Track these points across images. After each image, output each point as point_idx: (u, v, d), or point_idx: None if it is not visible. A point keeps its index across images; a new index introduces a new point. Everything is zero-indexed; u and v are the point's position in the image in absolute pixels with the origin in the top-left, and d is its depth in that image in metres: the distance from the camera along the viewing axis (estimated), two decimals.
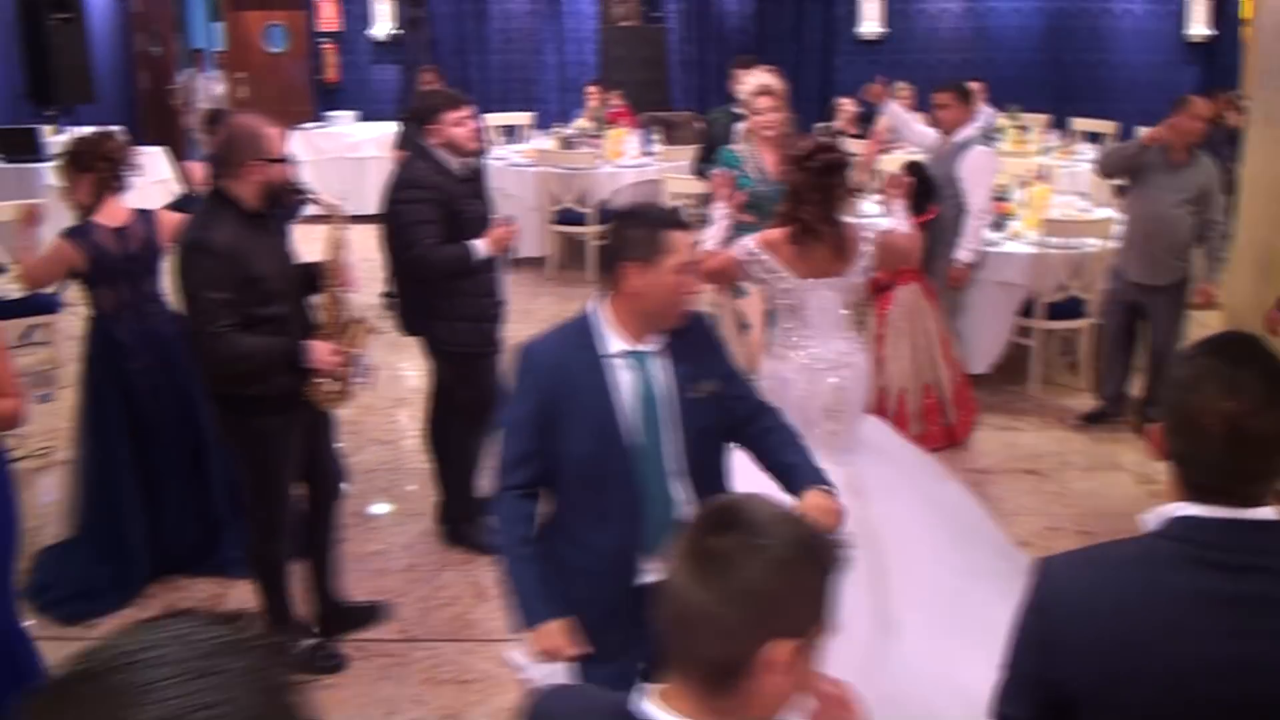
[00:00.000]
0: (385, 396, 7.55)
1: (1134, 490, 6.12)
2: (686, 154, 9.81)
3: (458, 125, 5.05)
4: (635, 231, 3.01)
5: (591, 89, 12.03)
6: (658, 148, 10.86)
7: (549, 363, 3.04)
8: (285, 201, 4.36)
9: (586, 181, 10.20)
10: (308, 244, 5.00)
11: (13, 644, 3.76)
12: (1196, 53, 13.66)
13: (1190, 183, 6.34)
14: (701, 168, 8.48)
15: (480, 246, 5.04)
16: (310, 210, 4.92)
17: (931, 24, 13.69)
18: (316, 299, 4.38)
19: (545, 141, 11.44)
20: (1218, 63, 13.40)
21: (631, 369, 3.04)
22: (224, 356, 4.05)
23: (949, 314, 6.89)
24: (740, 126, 7.26)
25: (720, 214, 5.03)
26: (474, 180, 5.30)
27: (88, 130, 11.19)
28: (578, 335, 3.06)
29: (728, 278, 4.74)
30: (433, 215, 4.95)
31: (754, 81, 6.22)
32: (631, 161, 10.62)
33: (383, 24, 13.21)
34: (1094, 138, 12.05)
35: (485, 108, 13.47)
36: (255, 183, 4.07)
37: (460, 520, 5.51)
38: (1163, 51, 13.70)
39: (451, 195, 5.02)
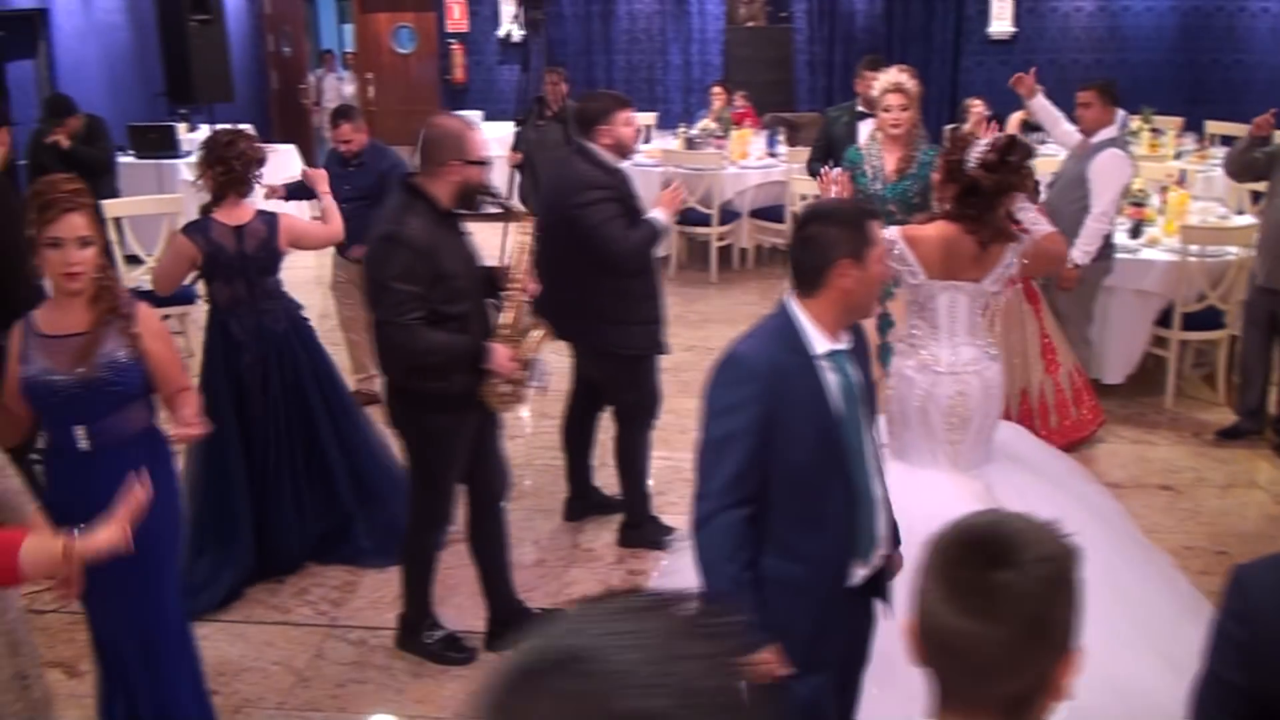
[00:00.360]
0: None
1: (1272, 510, 5.94)
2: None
3: (626, 125, 5.10)
4: (842, 228, 2.95)
5: (716, 89, 12.00)
6: (783, 149, 10.80)
7: (766, 369, 2.92)
8: (475, 204, 4.39)
9: (711, 182, 10.17)
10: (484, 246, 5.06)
11: (184, 633, 3.87)
12: None
13: None
14: (814, 166, 8.37)
15: (658, 215, 5.12)
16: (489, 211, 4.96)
17: (1063, 23, 13.42)
18: (493, 301, 4.43)
19: (669, 142, 11.44)
20: None
21: (834, 369, 2.98)
22: (410, 348, 4.12)
23: (1077, 320, 6.74)
24: (864, 126, 7.21)
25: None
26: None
27: (222, 127, 11.65)
28: (785, 338, 2.96)
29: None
30: (618, 212, 4.99)
31: (886, 78, 6.16)
32: (756, 162, 10.58)
33: (509, 25, 13.33)
34: (1228, 141, 11.71)
35: None
36: (453, 182, 4.14)
37: (633, 524, 5.54)
38: None
39: (623, 193, 5.07)
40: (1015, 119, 10.53)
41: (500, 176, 10.61)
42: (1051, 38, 13.44)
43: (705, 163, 10.30)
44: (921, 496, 4.38)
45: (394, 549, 5.09)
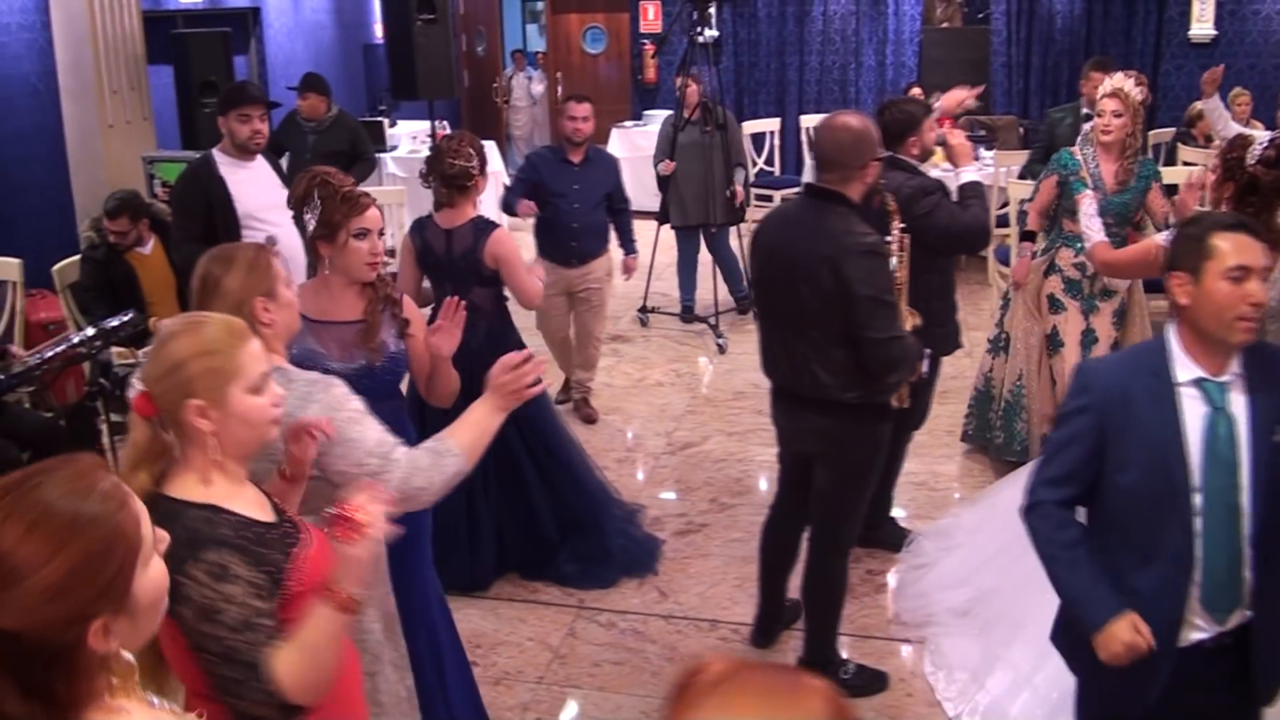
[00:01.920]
0: (723, 389, 7.73)
1: None
2: (1017, 158, 9.65)
3: (930, 130, 5.03)
4: (1184, 241, 2.84)
5: (915, 91, 11.93)
6: (987, 151, 10.70)
7: (1109, 384, 2.85)
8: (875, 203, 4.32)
9: None
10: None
11: (441, 604, 4.00)
12: None
13: None
14: (1036, 169, 8.26)
15: (969, 173, 5.09)
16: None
17: (1265, 26, 12.99)
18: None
19: None
20: None
21: (1204, 400, 2.78)
22: (909, 360, 4.01)
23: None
24: (1086, 127, 7.11)
25: (1089, 202, 4.97)
26: None
27: (418, 125, 11.96)
28: (1149, 359, 2.86)
29: (1144, 268, 4.56)
30: (949, 202, 4.94)
31: (1111, 82, 6.07)
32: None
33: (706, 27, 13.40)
34: None
35: (801, 109, 13.61)
36: (867, 183, 4.02)
37: (871, 524, 5.39)
38: None
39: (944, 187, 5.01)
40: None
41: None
42: (1252, 41, 13.03)
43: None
44: None
45: (599, 574, 5.25)
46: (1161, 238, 4.37)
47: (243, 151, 5.58)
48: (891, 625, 4.96)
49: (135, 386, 2.30)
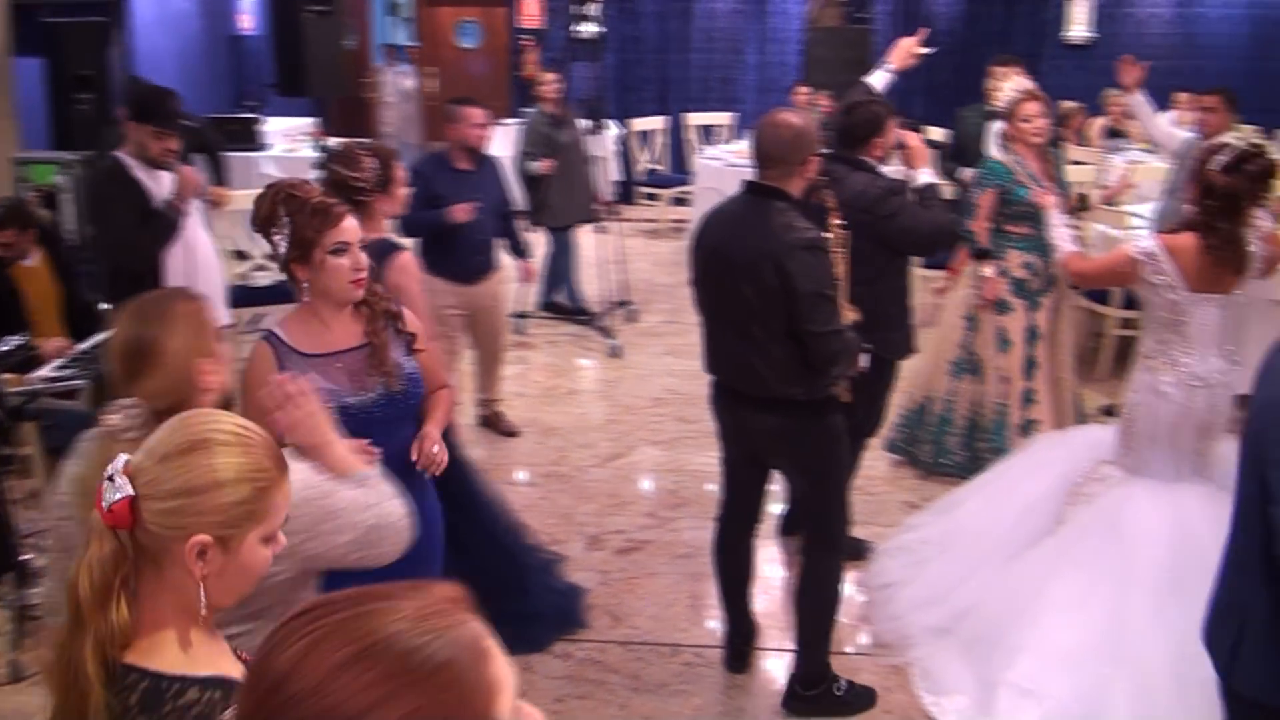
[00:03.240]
0: (641, 396, 7.52)
1: None
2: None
3: (892, 131, 4.93)
4: None
5: (801, 89, 11.89)
6: None
7: None
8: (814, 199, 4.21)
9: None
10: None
11: None
12: None
13: None
14: (949, 166, 8.24)
15: (926, 176, 5.00)
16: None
17: (1140, 29, 13.32)
18: None
19: None
20: None
21: None
22: (852, 353, 3.99)
23: None
24: (995, 129, 7.10)
25: (1057, 215, 4.91)
26: None
27: (289, 121, 11.47)
28: None
29: (1117, 279, 4.54)
30: (911, 203, 4.86)
31: (1014, 86, 6.06)
32: None
33: (587, 24, 13.17)
34: None
35: (684, 107, 13.48)
36: (807, 179, 3.97)
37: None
38: None
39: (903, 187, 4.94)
40: (1099, 126, 10.44)
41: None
42: (1127, 43, 13.27)
43: None
44: (1185, 514, 4.33)
45: (532, 637, 4.74)
46: (1135, 247, 4.33)
47: (152, 165, 5.15)
48: (869, 645, 4.82)
49: (118, 484, 1.75)
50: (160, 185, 5.17)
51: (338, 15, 8.23)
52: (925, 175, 5.01)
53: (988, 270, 5.97)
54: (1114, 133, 11.49)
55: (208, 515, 1.75)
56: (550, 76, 9.09)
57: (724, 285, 3.98)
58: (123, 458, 1.79)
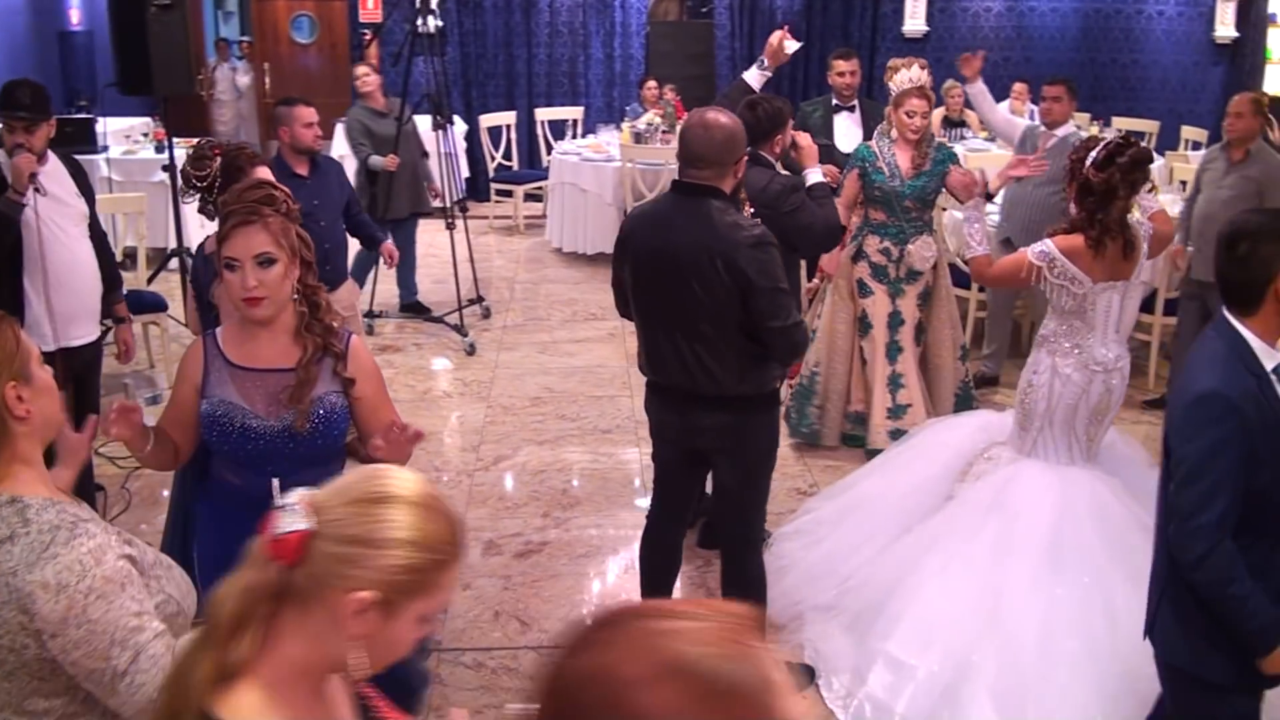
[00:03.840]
0: (517, 396, 7.42)
1: None
2: None
3: (790, 127, 5.02)
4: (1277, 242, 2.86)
5: (650, 83, 11.90)
6: None
7: (1242, 396, 2.81)
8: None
9: (669, 177, 10.08)
10: None
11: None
12: (1223, 53, 13.80)
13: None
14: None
15: (815, 174, 5.09)
16: None
17: (973, 23, 13.68)
18: None
19: (613, 136, 11.27)
20: (1241, 64, 13.59)
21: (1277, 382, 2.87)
22: (805, 345, 4.08)
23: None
24: (839, 119, 7.21)
25: (974, 213, 4.98)
26: None
27: (124, 121, 10.98)
28: (1241, 359, 2.87)
29: (1016, 281, 4.64)
30: (815, 205, 4.92)
31: (906, 76, 6.15)
32: None
33: (429, 16, 12.93)
34: (1138, 136, 12.11)
35: (532, 102, 13.36)
36: (738, 177, 3.95)
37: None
38: (1190, 52, 13.83)
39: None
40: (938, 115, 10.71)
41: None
42: (962, 36, 13.67)
43: (663, 157, 10.19)
44: (1071, 493, 4.44)
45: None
46: (1032, 253, 4.43)
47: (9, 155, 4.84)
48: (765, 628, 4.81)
49: (295, 515, 1.63)
50: (45, 179, 4.86)
51: (181, 10, 7.90)
52: (814, 174, 5.06)
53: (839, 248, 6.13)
54: (953, 122, 11.76)
55: (377, 572, 1.61)
56: (364, 70, 9.00)
57: (667, 286, 3.91)
58: (301, 490, 1.66)
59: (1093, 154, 4.31)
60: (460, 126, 12.96)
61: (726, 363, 3.92)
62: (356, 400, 3.12)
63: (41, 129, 4.82)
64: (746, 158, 4.03)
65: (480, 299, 9.22)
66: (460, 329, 8.49)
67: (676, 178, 4.00)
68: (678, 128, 10.81)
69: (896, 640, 4.30)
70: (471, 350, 8.25)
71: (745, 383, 3.97)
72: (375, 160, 8.48)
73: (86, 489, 5.07)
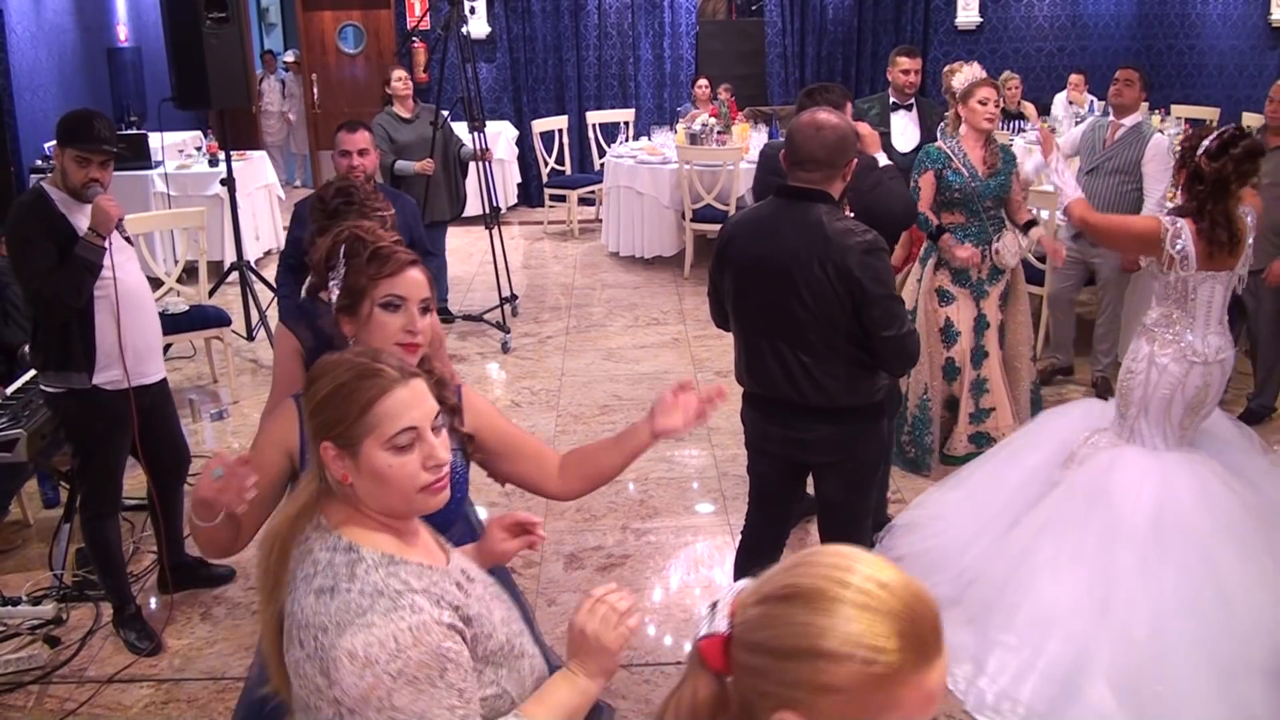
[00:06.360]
0: (586, 404, 7.32)
1: None
2: None
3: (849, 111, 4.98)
4: None
5: (702, 83, 11.80)
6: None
7: None
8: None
9: (727, 178, 9.98)
10: None
11: None
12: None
13: None
14: None
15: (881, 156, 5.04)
16: None
17: (1028, 12, 13.51)
18: None
19: (666, 138, 11.16)
20: None
21: None
22: (918, 353, 3.93)
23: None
24: (896, 117, 7.06)
25: (1058, 159, 4.87)
26: None
27: (174, 136, 10.97)
28: None
29: (1133, 242, 4.54)
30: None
31: (970, 72, 6.02)
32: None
33: (478, 23, 12.89)
34: (1196, 124, 11.90)
35: (582, 105, 13.28)
36: (847, 180, 3.82)
37: None
38: (1247, 37, 13.58)
39: None
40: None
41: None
42: (1016, 27, 13.52)
43: (721, 158, 10.07)
44: (1172, 477, 4.37)
45: None
46: (1164, 216, 4.35)
47: (75, 195, 4.66)
48: None
49: (718, 615, 1.41)
50: (86, 219, 4.71)
51: (236, 24, 7.86)
52: (880, 158, 4.95)
53: (952, 242, 5.94)
54: (1011, 114, 11.59)
55: (793, 689, 1.30)
56: (399, 74, 8.90)
57: (772, 296, 3.78)
58: (744, 582, 1.42)
59: (1206, 142, 4.26)
60: (510, 131, 12.92)
61: (835, 373, 3.79)
62: (479, 449, 2.87)
63: (111, 163, 4.68)
64: (855, 161, 3.86)
65: (514, 297, 9.23)
66: (502, 326, 8.57)
67: (782, 182, 3.84)
68: (733, 128, 10.75)
69: (1015, 632, 4.29)
70: (506, 348, 8.32)
71: (854, 394, 3.84)
72: (404, 165, 8.44)
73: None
